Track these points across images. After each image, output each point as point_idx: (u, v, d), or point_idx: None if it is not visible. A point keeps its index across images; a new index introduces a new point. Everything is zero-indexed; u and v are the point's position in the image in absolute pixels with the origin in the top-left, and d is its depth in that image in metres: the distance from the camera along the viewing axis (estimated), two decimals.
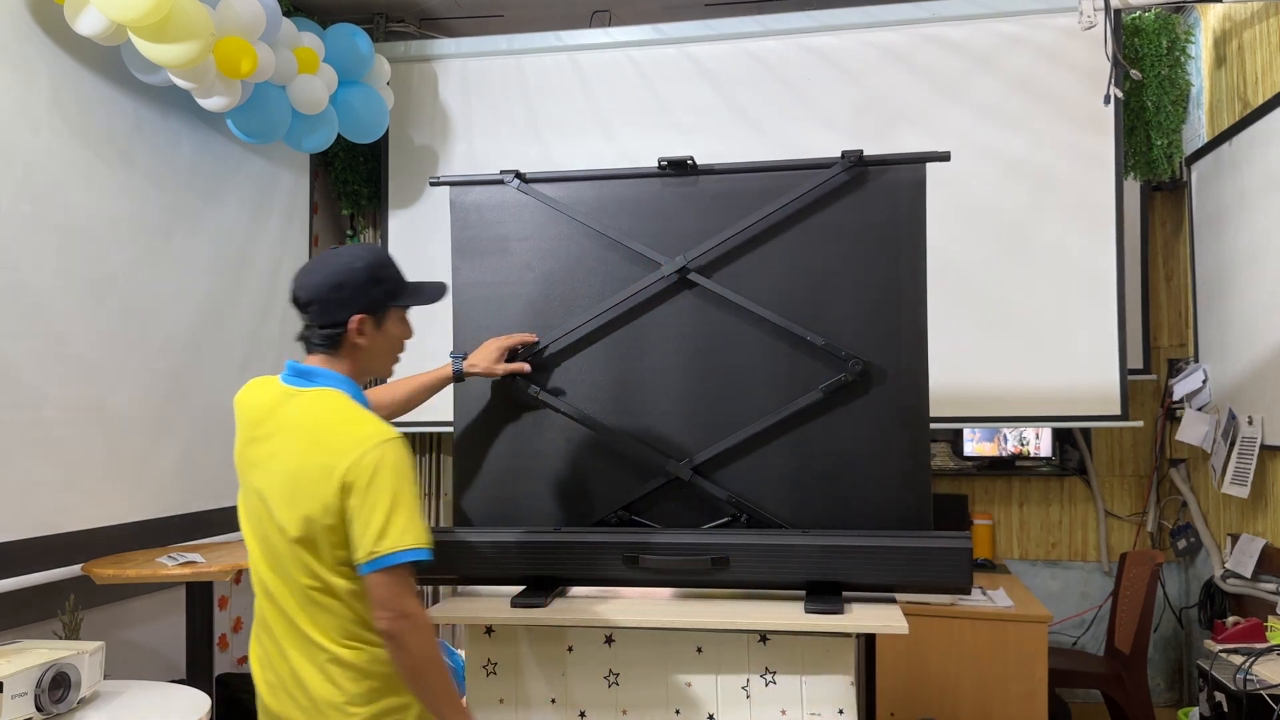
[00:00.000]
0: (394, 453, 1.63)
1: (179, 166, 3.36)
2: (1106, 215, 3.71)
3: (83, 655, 2.23)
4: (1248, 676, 2.54)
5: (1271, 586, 3.26)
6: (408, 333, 1.88)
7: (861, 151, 2.23)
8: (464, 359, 2.27)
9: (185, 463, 3.32)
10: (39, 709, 2.10)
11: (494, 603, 2.20)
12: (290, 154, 4.00)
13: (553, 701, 2.13)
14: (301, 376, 1.74)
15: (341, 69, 3.64)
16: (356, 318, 1.73)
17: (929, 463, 2.24)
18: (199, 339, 3.43)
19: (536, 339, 2.33)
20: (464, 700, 1.70)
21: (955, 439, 4.25)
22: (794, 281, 2.26)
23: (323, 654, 1.66)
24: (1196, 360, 3.90)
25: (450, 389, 2.31)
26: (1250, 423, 3.40)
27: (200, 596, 2.89)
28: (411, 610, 1.60)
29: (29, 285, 2.72)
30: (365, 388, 1.86)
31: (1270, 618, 2.98)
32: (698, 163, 2.31)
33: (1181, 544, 4.03)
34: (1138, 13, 3.83)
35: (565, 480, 2.34)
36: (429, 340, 3.82)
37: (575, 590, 2.27)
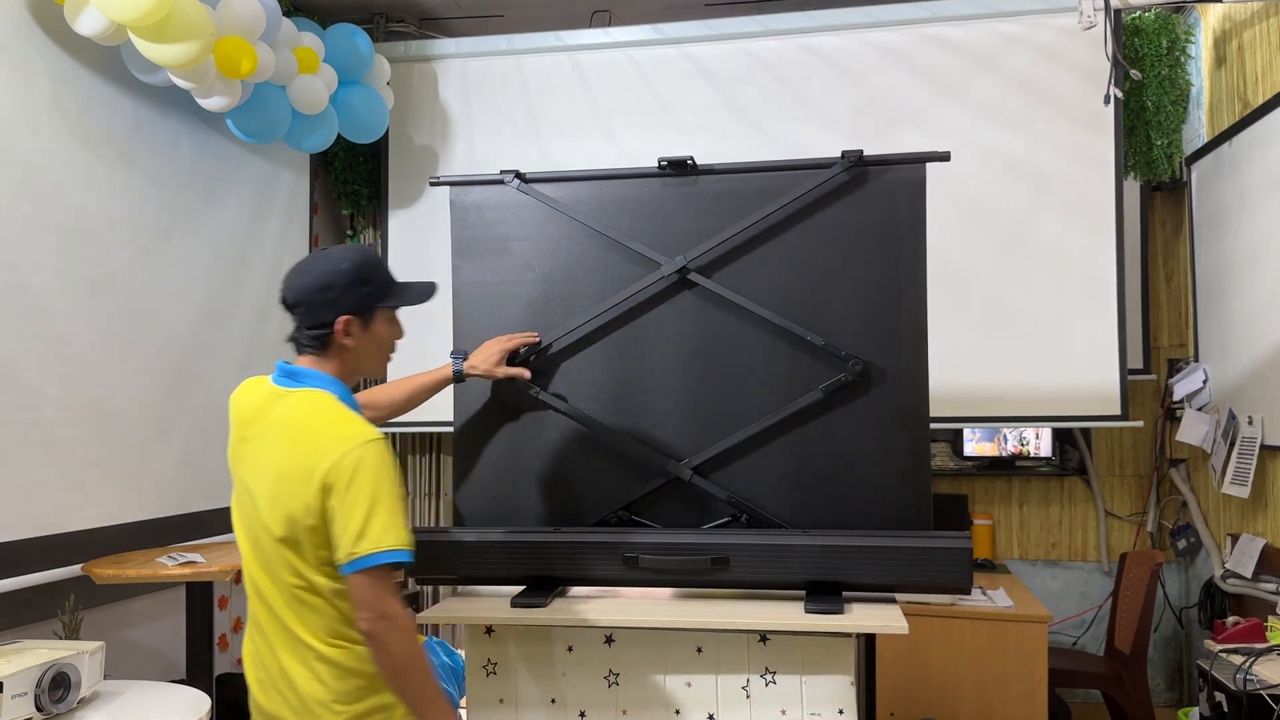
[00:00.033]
0: (375, 454, 1.63)
1: (179, 166, 3.36)
2: (1106, 215, 3.71)
3: (83, 655, 2.23)
4: (1248, 676, 2.54)
5: (1271, 586, 3.26)
6: (397, 333, 1.87)
7: (861, 151, 2.23)
8: (464, 359, 2.27)
9: (185, 463, 3.32)
10: (39, 709, 2.10)
11: (494, 603, 2.20)
12: (290, 154, 4.00)
13: (553, 701, 2.13)
14: (290, 377, 1.75)
15: (341, 69, 3.64)
16: (343, 319, 1.74)
17: (929, 463, 2.24)
18: (199, 339, 3.43)
19: (538, 338, 2.33)
20: (463, 701, 1.71)
21: (955, 439, 4.25)
22: (794, 281, 2.26)
23: (310, 652, 1.68)
24: (1196, 360, 3.90)
25: (450, 389, 2.30)
26: (1250, 423, 3.40)
27: (200, 596, 2.90)
28: (392, 611, 1.60)
29: (29, 285, 2.72)
30: (364, 387, 1.86)
31: (1270, 618, 2.98)
32: (698, 163, 2.31)
33: (1181, 544, 4.03)
34: (1138, 13, 3.84)
35: (565, 480, 2.34)
36: (429, 340, 3.83)
37: (575, 590, 2.27)
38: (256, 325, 3.72)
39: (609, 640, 2.12)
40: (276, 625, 1.70)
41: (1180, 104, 3.93)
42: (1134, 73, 3.68)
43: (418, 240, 4.27)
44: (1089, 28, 3.32)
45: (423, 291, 1.88)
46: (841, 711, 2.02)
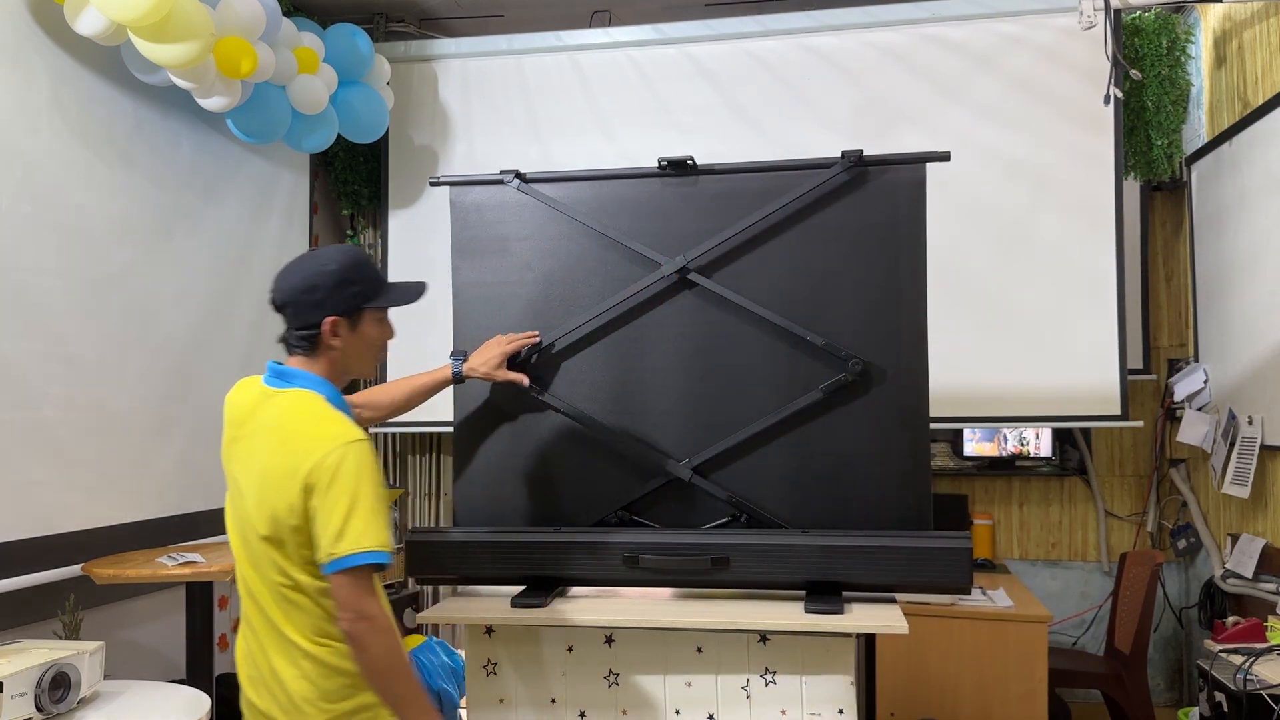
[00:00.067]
0: (356, 454, 1.64)
1: (179, 166, 3.36)
2: (1106, 215, 3.71)
3: (83, 655, 2.23)
4: (1248, 676, 2.54)
5: (1271, 586, 3.26)
6: (387, 334, 1.87)
7: (861, 151, 2.23)
8: (463, 361, 2.27)
9: (185, 463, 3.32)
10: (39, 709, 2.10)
11: (494, 603, 2.20)
12: (290, 154, 4.00)
13: (553, 701, 2.13)
14: (280, 378, 1.77)
15: (341, 69, 3.64)
16: (329, 320, 1.74)
17: (929, 463, 2.24)
18: (199, 339, 3.43)
19: (538, 337, 2.32)
20: (463, 701, 1.71)
21: (955, 439, 4.25)
22: (794, 281, 2.26)
23: (296, 650, 1.69)
24: (1196, 360, 3.90)
25: (450, 388, 2.30)
26: (1250, 423, 3.40)
27: (200, 596, 2.90)
28: (371, 612, 1.61)
29: (29, 285, 2.72)
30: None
31: (1270, 618, 2.98)
32: (698, 163, 2.31)
33: (1181, 544, 4.03)
34: (1138, 13, 3.84)
35: (565, 480, 2.34)
36: (429, 340, 3.83)
37: (575, 590, 2.27)
38: (256, 325, 3.71)
39: (609, 640, 2.12)
40: (266, 624, 1.72)
41: (1180, 104, 3.93)
42: (1134, 73, 3.68)
43: (418, 240, 4.27)
44: (1089, 28, 3.32)
45: (410, 292, 1.88)
46: (841, 711, 2.02)
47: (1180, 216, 4.14)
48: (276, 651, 1.70)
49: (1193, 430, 3.79)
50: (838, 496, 2.22)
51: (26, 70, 2.73)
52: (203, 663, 2.87)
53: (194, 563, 2.76)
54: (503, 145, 4.20)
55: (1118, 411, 3.68)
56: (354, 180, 4.46)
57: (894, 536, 2.09)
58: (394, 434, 4.53)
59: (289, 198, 4.02)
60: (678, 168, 2.31)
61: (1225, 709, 2.65)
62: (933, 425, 2.64)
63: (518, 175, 2.38)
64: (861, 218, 2.24)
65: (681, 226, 2.31)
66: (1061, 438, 4.23)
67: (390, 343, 1.90)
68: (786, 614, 2.04)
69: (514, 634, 2.15)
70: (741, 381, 2.27)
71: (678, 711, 2.09)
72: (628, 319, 2.33)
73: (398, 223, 4.32)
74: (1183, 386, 3.90)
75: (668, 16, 4.20)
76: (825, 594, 2.08)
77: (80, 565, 2.77)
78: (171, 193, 3.31)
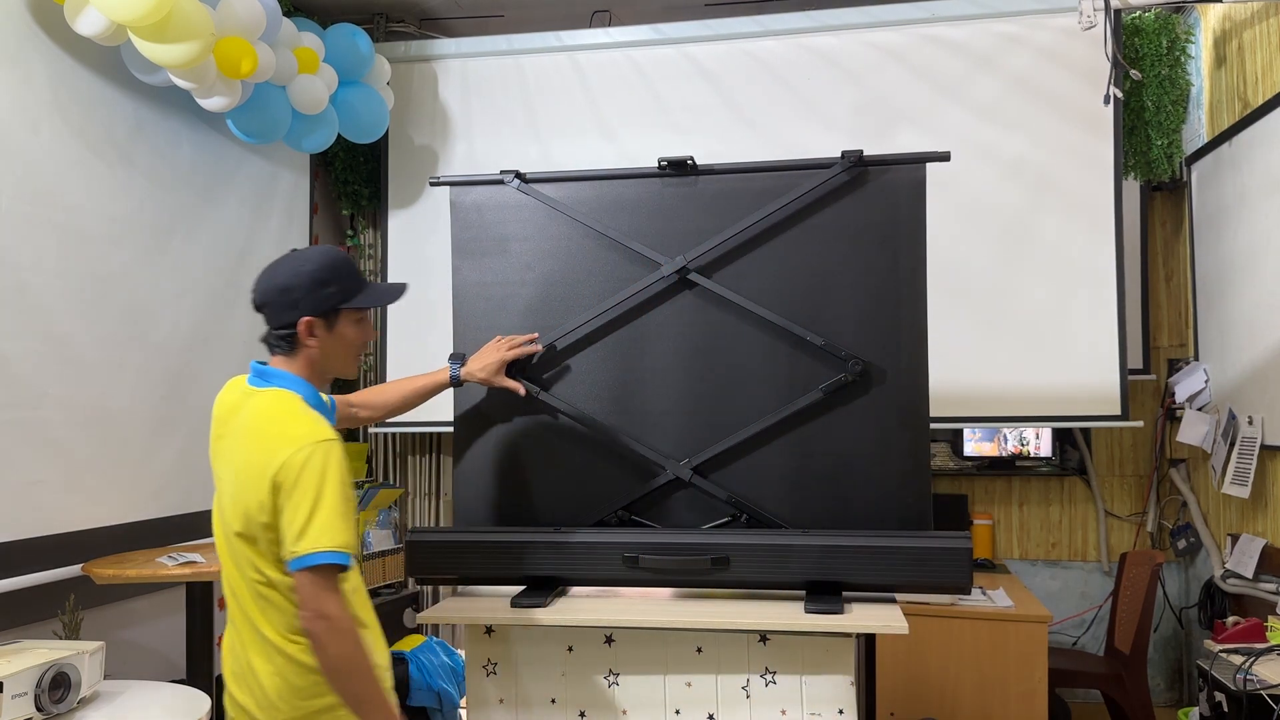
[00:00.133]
0: (322, 454, 1.65)
1: (179, 166, 3.36)
2: (1106, 215, 3.71)
3: (83, 655, 2.23)
4: (1248, 676, 2.54)
5: (1271, 586, 3.26)
6: (365, 334, 1.87)
7: (861, 151, 2.23)
8: (462, 365, 2.27)
9: (185, 463, 3.32)
10: (39, 709, 2.10)
11: (494, 603, 2.20)
12: (290, 154, 4.00)
13: (553, 701, 2.13)
14: (261, 377, 1.79)
15: (341, 69, 3.64)
16: (305, 320, 1.76)
17: (929, 463, 2.24)
18: (198, 339, 3.43)
19: (538, 341, 2.32)
20: (463, 701, 1.71)
21: (955, 439, 4.25)
22: (794, 281, 2.26)
23: (271, 647, 1.71)
24: (1196, 360, 3.90)
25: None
26: (1250, 423, 3.40)
27: (200, 596, 2.89)
28: (330, 612, 1.61)
29: (29, 285, 2.72)
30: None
31: (1270, 618, 2.98)
32: (698, 163, 2.31)
33: (1181, 544, 4.03)
34: (1138, 13, 3.84)
35: (565, 480, 2.34)
36: (429, 340, 3.82)
37: (575, 590, 2.27)
38: (256, 325, 3.67)
39: (609, 640, 2.12)
40: (245, 620, 1.75)
41: (1180, 104, 3.93)
42: (1134, 73, 3.68)
43: (417, 240, 4.27)
44: (1089, 28, 3.32)
45: (388, 293, 1.89)
46: (841, 711, 2.02)
47: (1180, 216, 4.14)
48: (253, 648, 1.73)
49: (1193, 430, 3.79)
50: (838, 496, 2.22)
51: (26, 70, 2.73)
52: (203, 663, 2.87)
53: (194, 563, 2.76)
54: (503, 145, 4.20)
55: (1118, 411, 3.68)
56: (354, 180, 4.46)
57: (894, 536, 2.09)
58: (394, 434, 4.53)
59: (289, 198, 4.02)
60: (678, 168, 2.31)
61: (1225, 709, 2.65)
62: (933, 425, 2.64)
63: (518, 175, 2.38)
64: (861, 218, 2.24)
65: (681, 226, 2.31)
66: (1061, 438, 4.23)
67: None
68: (786, 614, 2.04)
69: (514, 634, 2.15)
70: (741, 381, 2.27)
71: (678, 711, 2.09)
72: (628, 319, 2.33)
73: (397, 223, 4.32)
74: (1183, 387, 3.90)
75: (667, 17, 4.20)
76: (825, 594, 2.08)
77: (80, 565, 2.77)
78: (171, 193, 3.31)
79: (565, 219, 2.35)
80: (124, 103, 3.10)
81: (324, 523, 1.62)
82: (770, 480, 2.25)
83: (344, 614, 1.64)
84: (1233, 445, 3.50)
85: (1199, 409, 3.81)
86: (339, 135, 3.72)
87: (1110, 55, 3.34)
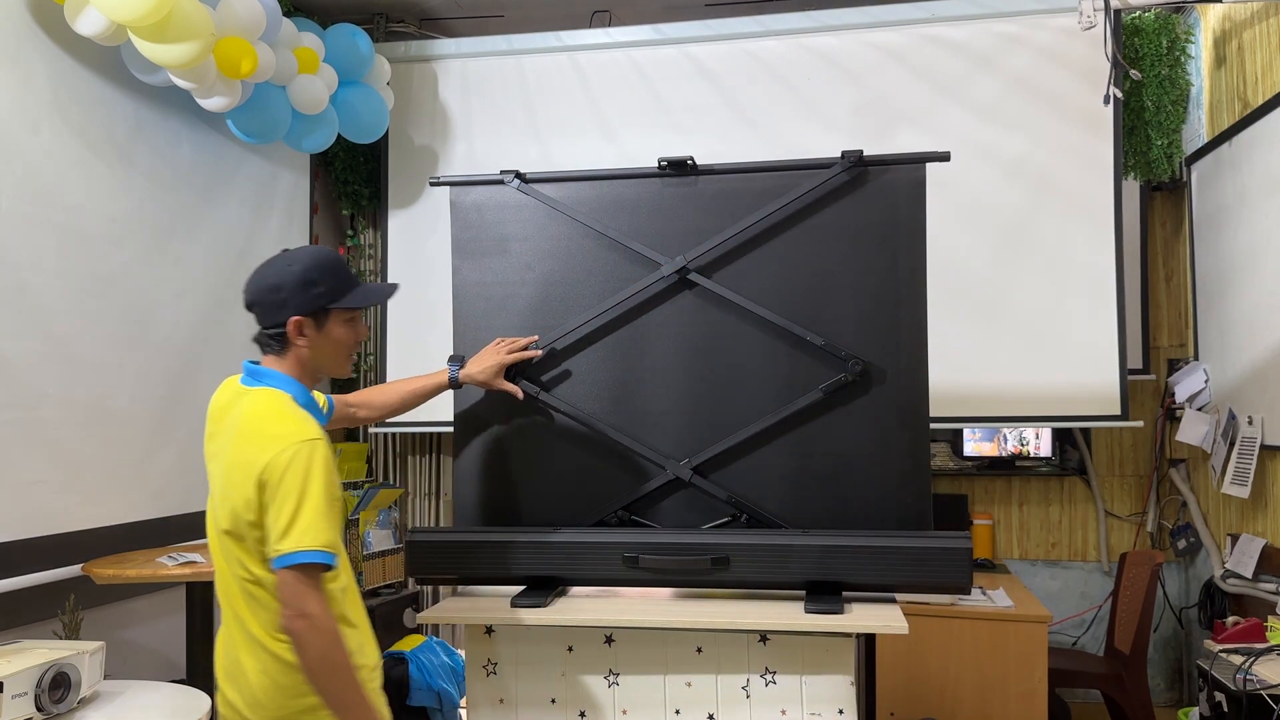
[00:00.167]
0: (307, 454, 1.65)
1: (179, 166, 3.36)
2: (1106, 215, 3.72)
3: (83, 655, 2.23)
4: (1248, 676, 2.54)
5: (1271, 586, 3.26)
6: (356, 334, 1.87)
7: (861, 151, 2.23)
8: (461, 367, 2.27)
9: (185, 463, 3.32)
10: (39, 709, 2.10)
11: (494, 603, 2.20)
12: (290, 154, 4.00)
13: (553, 701, 2.13)
14: (252, 376, 1.80)
15: (341, 69, 3.64)
16: (294, 320, 1.76)
17: (929, 463, 2.24)
18: (198, 339, 3.43)
19: (538, 343, 2.32)
20: (463, 701, 1.71)
21: (955, 439, 4.25)
22: (794, 281, 2.26)
23: (257, 645, 1.71)
24: (1196, 360, 3.90)
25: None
26: (1250, 423, 3.40)
27: (200, 596, 2.89)
28: (311, 611, 1.61)
29: (29, 285, 2.72)
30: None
31: (1270, 618, 2.98)
32: (698, 163, 2.31)
33: (1181, 544, 4.03)
34: (1138, 13, 3.84)
35: (565, 480, 2.34)
36: (429, 340, 3.82)
37: (575, 590, 2.27)
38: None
39: (609, 640, 2.12)
40: (234, 618, 1.75)
41: (1180, 104, 3.93)
42: (1134, 73, 3.68)
43: (417, 240, 4.27)
44: (1089, 28, 3.32)
45: (378, 293, 1.90)
46: (841, 711, 2.02)
47: (1180, 216, 4.14)
48: (242, 645, 1.73)
49: (1193, 430, 3.79)
50: (838, 496, 2.22)
51: (26, 70, 2.73)
52: (203, 663, 2.86)
53: (194, 563, 2.76)
54: (503, 145, 4.20)
55: (1117, 411, 3.68)
56: (354, 180, 4.46)
57: (894, 536, 2.09)
58: (394, 434, 4.53)
59: (289, 198, 4.02)
60: (678, 168, 2.31)
61: (1225, 709, 2.65)
62: (933, 425, 2.64)
63: (518, 175, 2.38)
64: (861, 218, 2.24)
65: (681, 226, 2.31)
66: (1061, 438, 4.23)
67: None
68: (786, 614, 2.04)
69: (514, 634, 2.15)
70: (741, 381, 2.27)
71: (678, 711, 2.09)
72: (628, 319, 2.33)
73: (398, 223, 4.32)
74: (1183, 387, 3.90)
75: (668, 17, 4.20)
76: (825, 594, 2.08)
77: (80, 565, 2.77)
78: (171, 193, 3.31)
79: (565, 219, 2.35)
80: (124, 103, 3.10)
81: (308, 522, 1.62)
82: (770, 480, 2.25)
83: (325, 613, 1.63)
84: (1232, 445, 3.50)
85: (1199, 409, 3.81)
86: (339, 135, 3.72)
87: (1110, 55, 3.34)
